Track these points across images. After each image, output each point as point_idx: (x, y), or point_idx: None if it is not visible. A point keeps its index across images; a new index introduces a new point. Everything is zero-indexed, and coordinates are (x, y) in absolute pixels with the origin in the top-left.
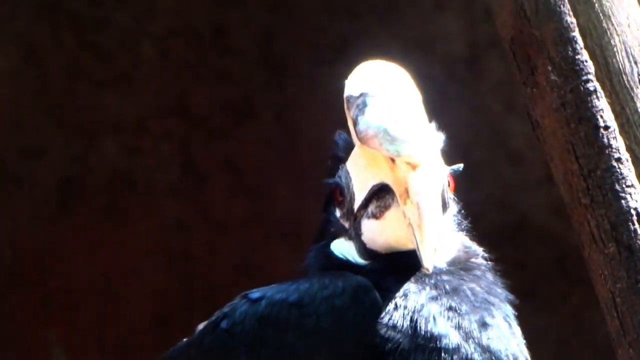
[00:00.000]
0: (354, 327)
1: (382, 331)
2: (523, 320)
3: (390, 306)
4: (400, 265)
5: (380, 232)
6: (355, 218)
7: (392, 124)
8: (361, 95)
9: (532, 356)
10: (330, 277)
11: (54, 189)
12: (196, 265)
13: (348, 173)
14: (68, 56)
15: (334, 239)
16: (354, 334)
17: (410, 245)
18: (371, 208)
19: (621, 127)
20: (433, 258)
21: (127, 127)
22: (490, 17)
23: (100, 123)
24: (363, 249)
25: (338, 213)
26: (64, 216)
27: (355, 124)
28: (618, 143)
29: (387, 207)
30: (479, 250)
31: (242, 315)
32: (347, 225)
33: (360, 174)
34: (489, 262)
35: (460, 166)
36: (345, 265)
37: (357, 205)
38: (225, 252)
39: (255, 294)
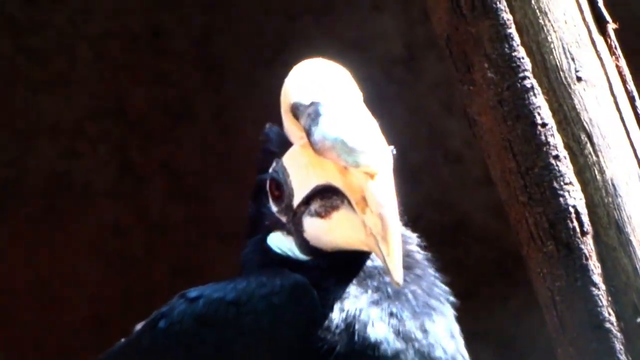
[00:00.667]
0: (292, 326)
1: (320, 333)
2: (464, 321)
3: (330, 308)
4: (343, 263)
5: (327, 232)
6: (294, 214)
7: (348, 135)
8: (312, 104)
9: (472, 358)
10: (268, 275)
11: None
12: (134, 268)
13: (285, 169)
14: (4, 59)
15: (269, 232)
16: (292, 333)
17: (363, 248)
18: (314, 206)
19: (559, 124)
20: (401, 270)
21: (64, 129)
22: (427, 17)
23: (37, 125)
24: (304, 245)
25: (274, 207)
26: (0, 219)
27: (309, 134)
28: (556, 140)
29: (334, 208)
30: (414, 237)
31: (180, 315)
32: (284, 219)
33: (300, 172)
34: (426, 253)
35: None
36: (285, 260)
37: (296, 201)
38: (163, 254)
39: (193, 292)
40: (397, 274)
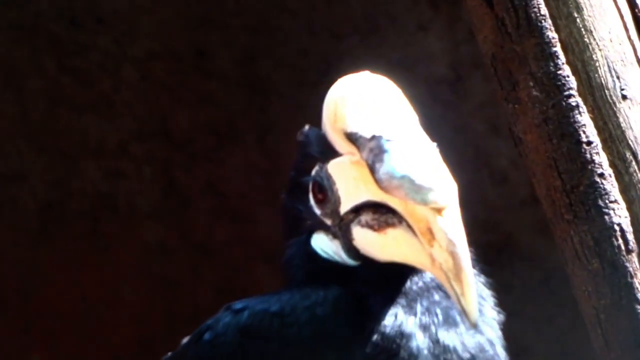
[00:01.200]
0: (334, 338)
1: (362, 347)
2: (510, 339)
3: (375, 322)
4: (394, 271)
5: (381, 245)
6: (341, 220)
7: (415, 173)
8: (374, 138)
9: None
10: (313, 286)
11: (35, 214)
12: (179, 289)
13: (330, 176)
14: (48, 80)
15: (312, 232)
16: (335, 345)
17: (421, 268)
18: (365, 218)
19: (604, 142)
20: (477, 311)
21: (109, 150)
22: (473, 37)
23: (82, 147)
24: (353, 251)
25: (317, 210)
26: (45, 241)
27: (372, 170)
28: (601, 158)
29: (388, 225)
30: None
31: (225, 327)
32: (329, 222)
33: (350, 183)
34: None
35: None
36: (331, 265)
37: (343, 209)
38: (208, 276)
39: (238, 305)
40: (473, 315)
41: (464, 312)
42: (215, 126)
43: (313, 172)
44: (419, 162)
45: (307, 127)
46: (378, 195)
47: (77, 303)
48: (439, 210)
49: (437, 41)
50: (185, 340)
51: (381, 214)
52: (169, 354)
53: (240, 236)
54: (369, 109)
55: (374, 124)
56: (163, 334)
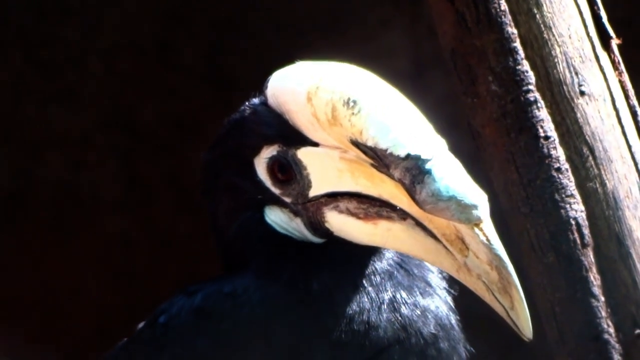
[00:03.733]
0: (287, 317)
1: (317, 324)
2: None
3: (332, 298)
4: (358, 249)
5: (369, 234)
6: (308, 201)
7: (460, 193)
8: (410, 157)
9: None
10: (267, 265)
11: None
12: (140, 280)
13: (300, 161)
14: (13, 71)
15: (262, 206)
16: (288, 324)
17: (426, 261)
18: (347, 205)
19: (561, 137)
20: (530, 324)
21: (73, 141)
22: (434, 33)
23: (46, 137)
24: (320, 230)
25: (273, 188)
26: (8, 230)
27: (411, 192)
28: (558, 153)
29: (381, 217)
30: None
31: (179, 309)
32: (288, 200)
33: (329, 172)
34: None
35: None
36: (289, 241)
37: (313, 192)
38: (169, 268)
39: (192, 287)
40: (526, 328)
41: (514, 326)
42: (179, 119)
43: (269, 152)
44: (460, 181)
45: (254, 101)
46: (376, 191)
47: (38, 291)
48: (476, 224)
49: (399, 37)
50: (140, 325)
51: (371, 205)
52: (125, 339)
53: (202, 229)
54: (382, 118)
55: (403, 139)
56: (123, 323)
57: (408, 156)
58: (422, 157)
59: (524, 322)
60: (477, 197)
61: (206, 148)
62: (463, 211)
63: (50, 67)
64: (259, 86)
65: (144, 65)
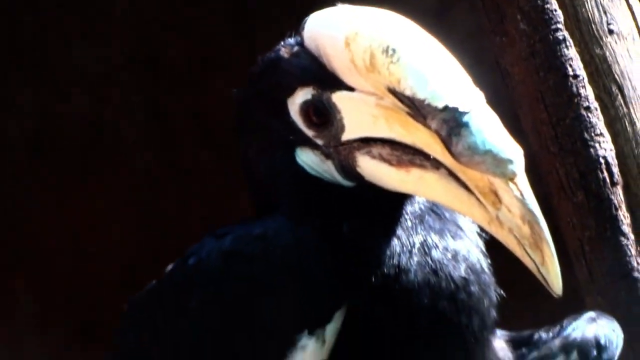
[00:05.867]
0: (319, 259)
1: (350, 268)
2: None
3: (364, 241)
4: (392, 195)
5: (401, 181)
6: (340, 144)
7: (497, 147)
8: (447, 109)
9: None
10: (298, 206)
11: (22, 143)
12: (165, 217)
13: (335, 105)
14: (38, 8)
15: (294, 147)
16: (320, 266)
17: (455, 209)
18: (379, 151)
19: (590, 75)
20: (560, 280)
21: (96, 79)
22: None
23: (70, 75)
24: (351, 174)
25: (306, 130)
26: (32, 170)
27: (448, 143)
28: (587, 92)
29: (414, 164)
30: None
31: (209, 251)
32: (320, 142)
33: (364, 118)
34: None
35: None
36: (321, 183)
37: (346, 137)
38: (193, 203)
39: (221, 230)
40: (557, 285)
41: (545, 282)
42: (203, 56)
43: (304, 94)
44: (496, 135)
45: (290, 41)
46: (411, 139)
47: (63, 230)
48: (511, 179)
49: None
50: (170, 266)
51: (404, 153)
52: (154, 281)
53: (226, 166)
54: (421, 68)
55: (441, 90)
56: (149, 260)
57: (446, 108)
58: (460, 109)
59: (554, 279)
60: (513, 152)
61: (229, 85)
62: (498, 165)
63: (74, 4)
64: (282, 22)
65: (168, 1)
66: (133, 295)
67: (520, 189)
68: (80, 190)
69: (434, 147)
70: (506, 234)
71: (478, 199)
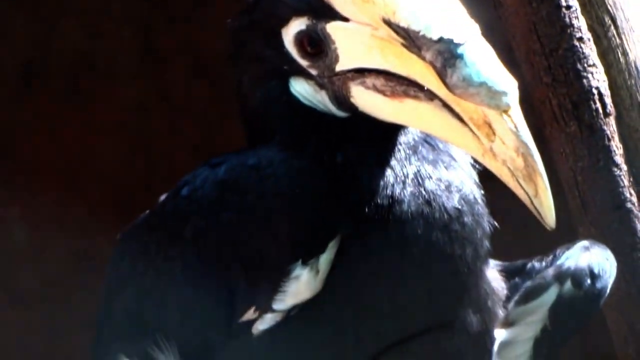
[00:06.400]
0: (312, 189)
1: (343, 198)
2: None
3: (357, 170)
4: (384, 125)
5: (394, 112)
6: (334, 74)
7: (491, 79)
8: (442, 41)
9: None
10: (292, 136)
11: (15, 71)
12: (156, 147)
13: (329, 35)
14: None
15: (288, 77)
16: (313, 196)
17: (450, 141)
18: (373, 81)
19: (583, 6)
20: (553, 214)
21: (90, 10)
22: None
23: (62, 6)
24: (345, 104)
25: (301, 60)
26: (25, 99)
27: (442, 75)
28: (580, 22)
29: (408, 95)
30: None
31: (202, 181)
32: (314, 72)
33: (358, 48)
34: None
35: None
36: (315, 114)
37: (340, 67)
38: (185, 134)
39: (215, 160)
40: (549, 218)
41: (538, 214)
42: None
43: (299, 24)
44: (491, 67)
45: None
46: (405, 70)
47: (55, 159)
48: (505, 111)
49: None
50: (163, 196)
51: (399, 84)
52: (147, 211)
53: (217, 96)
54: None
55: (440, 25)
56: (140, 190)
57: (441, 39)
58: (455, 41)
59: (547, 211)
60: (508, 84)
61: (223, 16)
62: (493, 97)
63: None
64: None
65: None
66: (126, 222)
67: (515, 121)
68: (73, 120)
69: (428, 79)
70: (500, 166)
71: (472, 131)
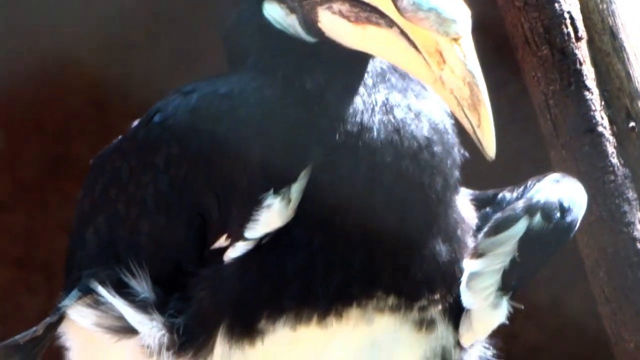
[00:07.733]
0: (284, 118)
1: (314, 126)
2: None
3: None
4: (353, 53)
5: (357, 38)
6: None
7: (442, 4)
8: None
9: None
10: (261, 64)
11: None
12: (135, 51)
13: None
14: None
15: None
16: (284, 125)
17: (405, 68)
18: (340, 7)
19: None
20: (494, 144)
21: None
22: None
23: None
24: (313, 29)
25: None
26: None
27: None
28: None
29: (370, 22)
30: None
31: (175, 109)
32: None
33: None
34: None
35: None
36: (286, 38)
37: None
38: (164, 39)
39: (187, 87)
40: (490, 147)
41: (480, 144)
42: None
43: None
44: None
45: None
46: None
47: (32, 63)
48: (456, 40)
49: None
50: (135, 123)
51: (362, 10)
52: (119, 137)
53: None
54: None
55: None
56: (118, 96)
57: None
58: None
59: (488, 141)
60: (458, 12)
61: None
62: (442, 24)
63: None
64: None
65: None
66: (102, 130)
67: (464, 51)
68: (49, 23)
69: (386, 4)
70: (448, 94)
71: (425, 59)
